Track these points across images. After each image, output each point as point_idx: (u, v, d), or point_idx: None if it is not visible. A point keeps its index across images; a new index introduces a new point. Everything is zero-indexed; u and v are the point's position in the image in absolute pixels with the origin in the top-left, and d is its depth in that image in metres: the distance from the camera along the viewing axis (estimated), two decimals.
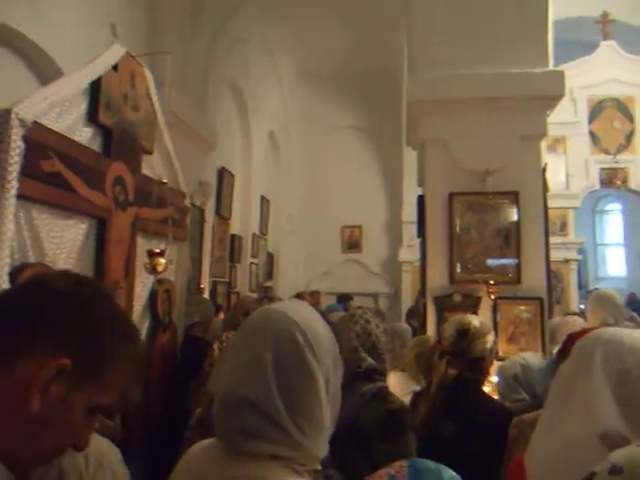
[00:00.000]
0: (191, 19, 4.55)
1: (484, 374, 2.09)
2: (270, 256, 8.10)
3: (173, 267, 3.23)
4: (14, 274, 1.89)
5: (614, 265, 12.15)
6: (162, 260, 2.78)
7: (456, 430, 1.81)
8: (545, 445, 0.98)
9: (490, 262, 3.36)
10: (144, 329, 3.05)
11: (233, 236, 6.40)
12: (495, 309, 3.32)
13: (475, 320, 2.08)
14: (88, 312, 0.75)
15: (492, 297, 3.29)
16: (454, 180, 3.43)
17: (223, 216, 5.99)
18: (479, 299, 3.33)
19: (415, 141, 3.95)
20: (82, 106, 2.44)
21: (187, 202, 3.65)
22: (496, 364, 2.34)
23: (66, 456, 0.93)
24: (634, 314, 4.46)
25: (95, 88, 2.50)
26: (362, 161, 8.88)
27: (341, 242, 9.11)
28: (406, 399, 2.18)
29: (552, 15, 3.55)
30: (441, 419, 1.89)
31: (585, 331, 1.28)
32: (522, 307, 3.32)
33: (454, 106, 3.44)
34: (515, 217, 3.37)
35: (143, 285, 3.02)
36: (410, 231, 7.27)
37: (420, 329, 3.65)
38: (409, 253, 7.91)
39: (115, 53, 2.71)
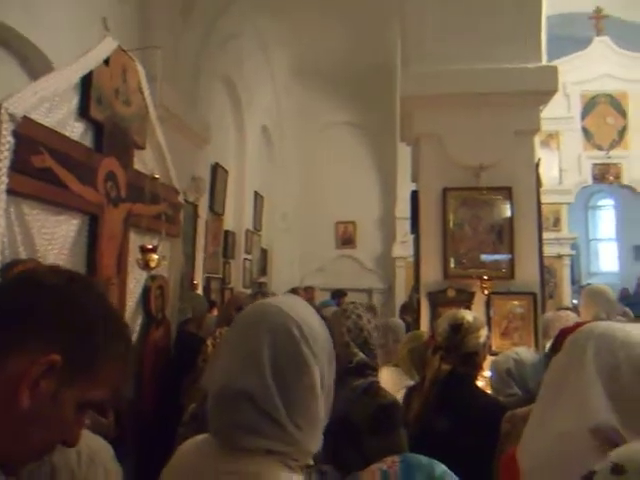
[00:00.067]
0: (183, 14, 4.52)
1: (477, 369, 2.10)
2: (264, 252, 8.09)
3: (166, 263, 3.21)
4: (5, 270, 1.88)
5: (607, 260, 12.25)
6: (155, 256, 2.76)
7: (450, 425, 1.81)
8: (537, 439, 0.99)
9: (484, 257, 3.37)
10: (137, 325, 3.04)
11: (227, 232, 6.38)
12: (489, 304, 3.33)
13: (468, 315, 2.09)
14: (79, 308, 0.74)
15: (486, 292, 3.30)
16: (448, 175, 3.43)
17: (217, 212, 5.97)
18: (473, 294, 3.34)
19: (409, 136, 3.95)
20: (73, 101, 2.42)
21: (180, 198, 3.63)
22: (489, 359, 2.35)
23: (58, 453, 0.93)
24: (626, 309, 4.50)
25: (86, 82, 2.48)
26: (356, 157, 8.88)
27: (335, 238, 9.12)
28: (400, 394, 2.19)
29: (546, 10, 3.55)
30: (434, 414, 1.89)
31: (577, 325, 1.29)
32: (515, 302, 3.34)
33: (448, 101, 3.44)
34: (508, 212, 3.37)
35: (136, 281, 3.00)
36: (404, 227, 7.27)
37: (414, 324, 3.66)
38: (403, 249, 7.92)
39: (106, 47, 2.69)
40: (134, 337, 2.96)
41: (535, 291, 3.34)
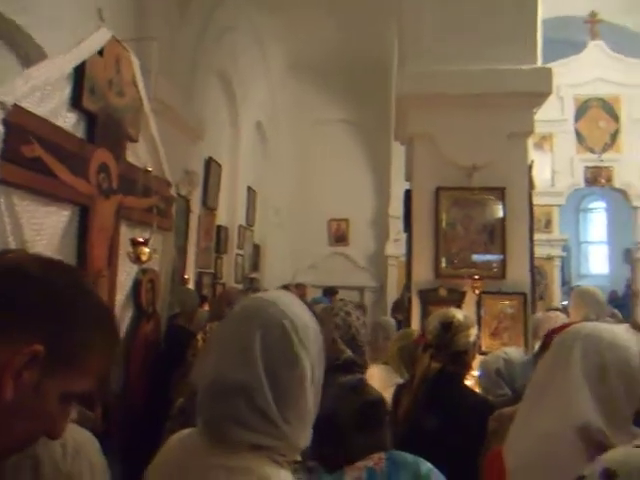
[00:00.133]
0: (180, 6, 4.49)
1: (467, 368, 2.11)
2: (256, 247, 8.07)
3: (157, 257, 3.19)
4: None
5: (597, 263, 12.34)
6: (146, 249, 2.74)
7: (438, 423, 1.82)
8: (522, 438, 0.99)
9: (475, 257, 3.39)
10: (127, 319, 3.02)
11: (219, 227, 6.36)
12: (479, 304, 3.35)
13: (459, 314, 2.10)
14: (63, 298, 0.73)
15: (476, 292, 3.32)
16: (441, 175, 3.44)
17: (210, 207, 5.95)
18: (464, 294, 3.35)
19: (403, 135, 3.95)
20: (65, 90, 2.39)
21: (173, 191, 3.61)
22: (478, 358, 2.36)
23: (42, 445, 0.92)
24: (615, 311, 4.55)
25: (79, 73, 2.45)
26: (350, 154, 8.87)
27: (328, 235, 9.11)
28: (389, 392, 2.19)
29: (542, 13, 3.57)
30: (423, 412, 1.90)
31: (565, 326, 1.30)
32: (506, 302, 3.36)
33: (442, 101, 3.44)
34: (501, 213, 3.39)
35: (127, 274, 2.98)
36: (397, 226, 7.27)
37: (405, 323, 3.67)
38: (395, 247, 7.93)
39: (101, 37, 2.66)
40: (124, 330, 2.94)
41: (525, 291, 3.36)
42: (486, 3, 3.45)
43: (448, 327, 2.02)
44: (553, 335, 1.21)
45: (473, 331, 2.07)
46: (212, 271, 6.14)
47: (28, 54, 3.01)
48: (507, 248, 3.36)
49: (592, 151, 7.47)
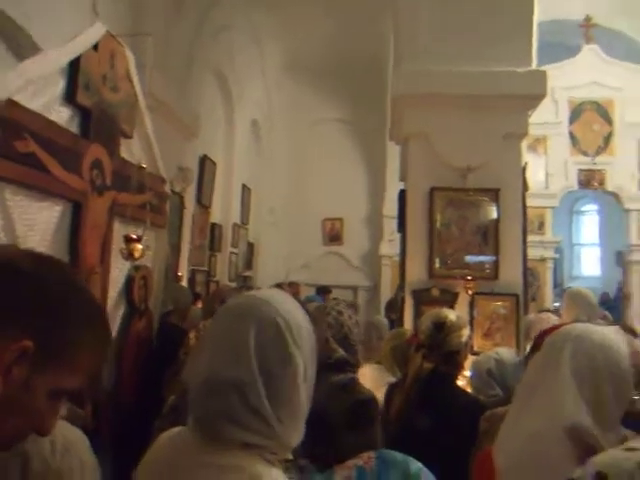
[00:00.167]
0: (176, 2, 4.46)
1: (459, 368, 2.11)
2: (250, 246, 8.06)
3: (150, 253, 3.18)
4: None
5: (589, 265, 12.43)
6: (139, 246, 2.73)
7: (430, 423, 1.82)
8: (512, 438, 1.00)
9: (468, 258, 3.40)
10: (119, 316, 3.00)
11: (213, 225, 6.34)
12: (472, 304, 3.36)
13: (451, 314, 2.10)
14: (54, 295, 0.73)
15: (469, 292, 3.33)
16: (435, 175, 3.45)
17: (204, 204, 5.93)
18: (457, 294, 3.36)
19: (398, 135, 3.96)
20: (59, 85, 2.37)
21: (167, 188, 3.59)
22: (471, 359, 2.37)
23: (31, 442, 0.91)
24: (606, 313, 4.57)
25: (74, 67, 2.43)
26: (345, 154, 8.87)
27: (322, 234, 9.11)
28: (381, 391, 2.19)
29: (537, 16, 3.58)
30: (416, 412, 1.90)
31: (556, 327, 1.30)
32: (498, 303, 3.37)
33: (438, 101, 3.45)
34: (495, 214, 3.40)
35: (119, 271, 2.97)
36: (391, 225, 7.28)
37: (398, 322, 3.68)
38: (389, 247, 7.94)
39: (95, 32, 2.64)
40: (116, 327, 2.93)
41: (518, 293, 3.37)
42: (482, 4, 3.46)
43: (441, 327, 2.02)
44: (544, 336, 1.22)
45: (465, 331, 2.08)
46: (206, 269, 6.13)
47: (20, 47, 2.97)
48: (500, 249, 3.38)
49: (585, 154, 7.52)
